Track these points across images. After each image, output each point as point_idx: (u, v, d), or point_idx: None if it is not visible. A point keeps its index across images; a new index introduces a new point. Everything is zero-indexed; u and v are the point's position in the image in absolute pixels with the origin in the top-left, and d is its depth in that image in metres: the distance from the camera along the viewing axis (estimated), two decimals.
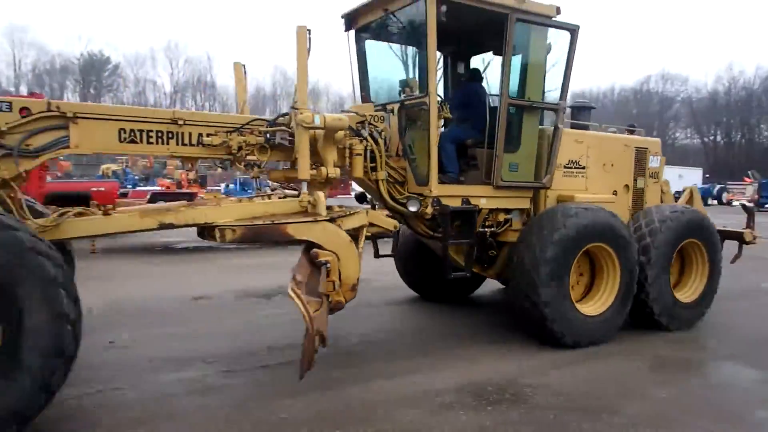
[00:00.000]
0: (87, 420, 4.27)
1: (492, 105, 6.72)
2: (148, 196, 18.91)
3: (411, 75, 7.04)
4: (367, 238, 5.50)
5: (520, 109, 6.29)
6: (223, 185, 46.08)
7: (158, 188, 26.41)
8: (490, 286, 8.92)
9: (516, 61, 6.26)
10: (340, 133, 5.30)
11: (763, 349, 6.23)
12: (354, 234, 5.20)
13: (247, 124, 5.31)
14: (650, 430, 4.21)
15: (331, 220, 4.97)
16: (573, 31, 6.41)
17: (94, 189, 14.35)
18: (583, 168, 6.92)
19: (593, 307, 6.14)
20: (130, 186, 24.96)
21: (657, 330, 6.65)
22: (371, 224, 5.50)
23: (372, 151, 5.78)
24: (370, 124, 5.89)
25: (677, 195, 8.60)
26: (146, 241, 15.51)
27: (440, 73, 7.53)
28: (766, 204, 37.06)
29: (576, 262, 5.97)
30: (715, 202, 45.44)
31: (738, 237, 7.81)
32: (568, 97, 6.64)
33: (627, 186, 7.34)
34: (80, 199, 9.20)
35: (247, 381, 5.12)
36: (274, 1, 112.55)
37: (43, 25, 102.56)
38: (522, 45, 6.22)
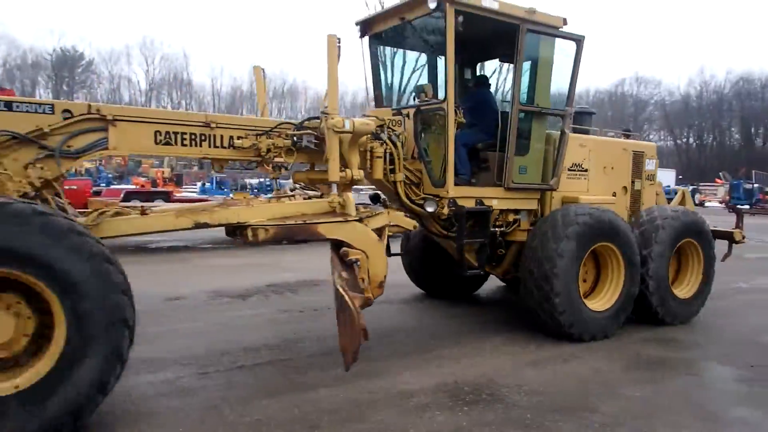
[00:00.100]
0: None
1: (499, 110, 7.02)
2: (122, 195, 18.81)
3: (421, 80, 7.32)
4: None
5: (529, 114, 6.59)
6: (199, 184, 45.78)
7: (132, 186, 26.23)
8: (487, 285, 9.16)
9: (525, 69, 6.57)
10: (363, 137, 5.54)
11: (740, 348, 6.38)
12: (377, 233, 5.44)
13: (276, 127, 5.52)
14: (628, 429, 4.26)
15: (359, 220, 5.22)
16: (579, 41, 6.74)
17: (66, 187, 14.26)
18: (586, 171, 7.27)
19: (599, 303, 6.47)
20: (103, 184, 24.71)
21: (653, 324, 7.01)
22: (393, 224, 5.77)
23: (391, 154, 6.03)
24: (388, 128, 6.15)
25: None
26: (119, 241, 15.35)
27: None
28: (736, 204, 38.12)
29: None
30: None
31: (728, 237, 8.25)
32: None
33: (625, 188, 7.72)
34: None
35: (223, 382, 5.06)
36: None
37: (14, 18, 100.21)
38: (531, 54, 6.53)
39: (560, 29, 6.61)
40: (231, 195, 6.34)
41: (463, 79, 7.95)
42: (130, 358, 5.39)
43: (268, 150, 5.44)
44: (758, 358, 6.00)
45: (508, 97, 7.01)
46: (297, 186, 6.50)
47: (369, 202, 7.32)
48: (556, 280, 5.99)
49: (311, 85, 79.17)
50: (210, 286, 9.11)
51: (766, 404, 4.77)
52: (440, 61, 7.37)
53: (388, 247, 7.82)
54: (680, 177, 58.23)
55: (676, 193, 8.93)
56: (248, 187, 46.79)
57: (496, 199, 6.50)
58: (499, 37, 6.63)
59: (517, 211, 6.82)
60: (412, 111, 6.43)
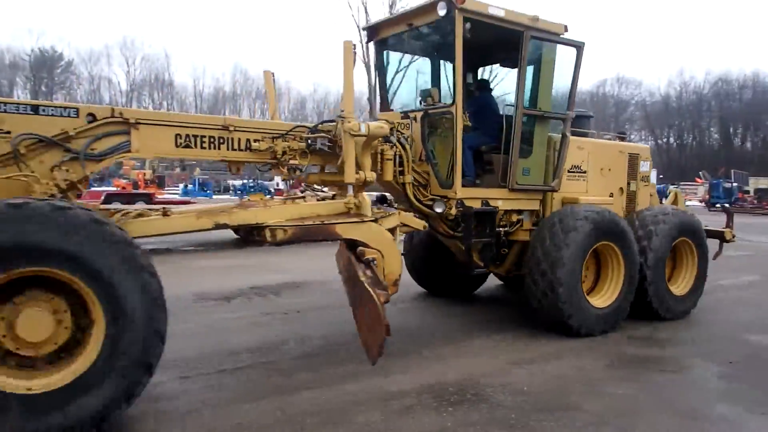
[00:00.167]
0: None
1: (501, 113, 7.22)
2: (103, 197, 18.68)
3: (425, 84, 7.51)
4: None
5: (532, 118, 6.81)
6: (181, 186, 45.61)
7: (114, 188, 26.06)
8: (485, 284, 9.32)
9: (528, 74, 6.77)
10: (375, 140, 5.71)
11: (721, 345, 6.50)
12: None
13: (291, 130, 5.67)
14: (611, 427, 4.28)
15: (374, 221, 5.39)
16: (579, 47, 6.98)
17: None
18: (584, 172, 7.52)
19: (601, 300, 6.71)
20: None
21: (650, 320, 7.27)
22: (403, 224, 5.95)
23: (400, 156, 6.21)
24: (397, 131, 6.32)
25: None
26: None
27: (450, 82, 7.97)
28: (716, 203, 38.81)
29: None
30: None
31: (719, 236, 8.57)
32: None
33: (621, 189, 7.99)
34: None
35: (204, 386, 5.02)
36: None
37: None
38: (534, 59, 6.75)
39: (561, 36, 6.84)
40: (247, 197, 6.27)
41: (465, 83, 8.13)
42: None
43: (284, 152, 5.58)
44: (738, 354, 6.13)
45: (507, 101, 7.25)
46: (307, 187, 6.65)
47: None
48: (561, 269, 6.20)
49: (294, 85, 78.94)
50: (194, 288, 9.02)
51: (745, 400, 4.86)
52: (443, 66, 7.61)
53: None
54: (661, 176, 59.10)
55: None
56: (231, 188, 46.80)
57: (501, 199, 6.71)
58: (501, 42, 6.83)
59: (520, 212, 7.04)
60: (419, 114, 6.62)
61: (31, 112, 4.60)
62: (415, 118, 6.65)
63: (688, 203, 37.72)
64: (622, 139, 8.56)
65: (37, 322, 3.77)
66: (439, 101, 6.59)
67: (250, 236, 5.56)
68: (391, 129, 6.27)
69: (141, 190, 24.88)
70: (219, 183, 46.40)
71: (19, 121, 4.52)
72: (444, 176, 6.48)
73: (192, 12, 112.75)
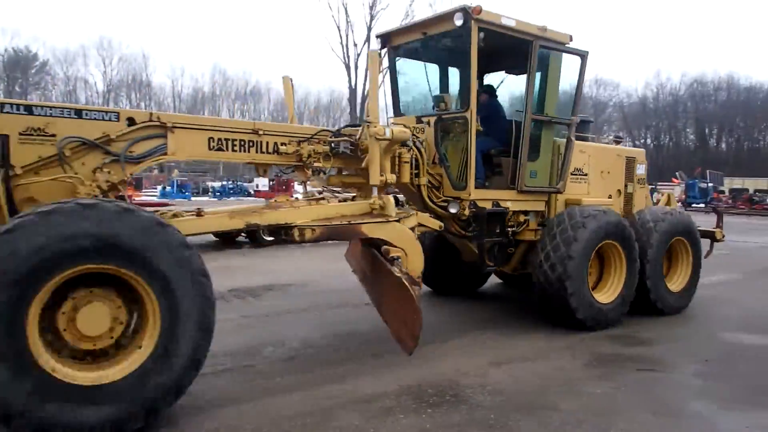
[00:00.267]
0: None
1: (508, 119, 7.55)
2: None
3: (434, 90, 7.80)
4: None
5: (539, 123, 7.14)
6: (159, 187, 45.29)
7: None
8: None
9: (536, 81, 7.11)
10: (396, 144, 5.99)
11: (698, 343, 6.68)
12: None
13: (316, 134, 5.93)
14: (589, 426, 4.32)
15: (398, 221, 5.67)
16: (583, 56, 7.34)
17: None
18: (586, 175, 7.89)
19: (605, 296, 7.09)
20: None
21: (651, 315, 7.66)
22: (420, 224, 6.23)
23: (416, 159, 6.49)
24: (413, 135, 6.60)
25: None
26: None
27: (457, 88, 8.26)
28: (692, 203, 39.65)
29: None
30: None
31: (710, 235, 9.02)
32: None
33: (619, 191, 8.38)
34: None
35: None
36: None
37: None
38: (542, 67, 7.08)
39: (566, 45, 7.18)
40: (276, 199, 6.40)
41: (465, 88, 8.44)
42: None
43: (309, 155, 5.84)
44: (715, 352, 6.30)
45: (512, 106, 7.59)
46: (323, 188, 6.90)
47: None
48: (570, 262, 6.55)
49: (275, 86, 78.41)
50: None
51: (720, 398, 4.97)
52: (452, 72, 7.92)
53: None
54: None
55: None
56: (210, 190, 46.48)
57: (510, 201, 7.03)
58: (508, 51, 7.15)
59: (526, 212, 7.36)
60: (432, 119, 6.91)
61: (75, 116, 4.80)
62: (428, 123, 6.93)
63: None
64: (618, 143, 8.95)
65: (97, 317, 3.98)
66: (452, 107, 6.89)
67: (278, 235, 5.82)
68: None
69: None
70: (197, 185, 46.21)
71: (63, 124, 4.72)
72: (456, 178, 6.78)
73: (170, 11, 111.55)
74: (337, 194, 6.66)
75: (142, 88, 77.03)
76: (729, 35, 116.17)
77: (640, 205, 8.60)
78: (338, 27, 51.20)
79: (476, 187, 6.78)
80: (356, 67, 51.37)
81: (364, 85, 51.14)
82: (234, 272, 10.57)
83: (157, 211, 5.24)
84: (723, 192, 46.42)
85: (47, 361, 3.72)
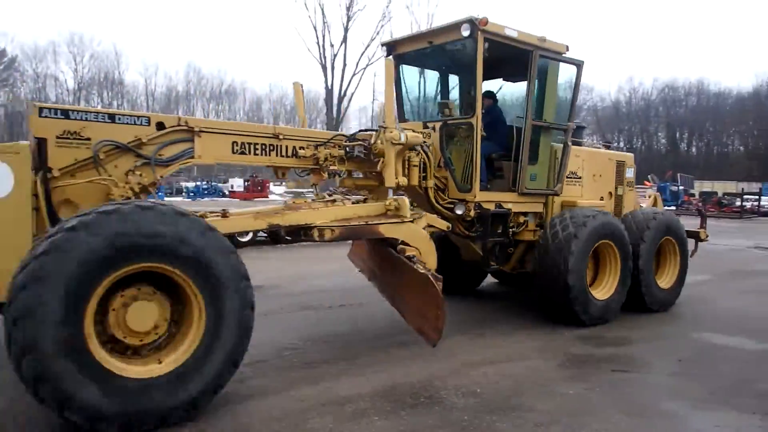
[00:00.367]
0: None
1: (508, 124, 7.91)
2: None
3: (435, 97, 8.13)
4: None
5: (538, 128, 7.51)
6: None
7: None
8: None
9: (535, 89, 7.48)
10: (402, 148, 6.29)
11: (671, 343, 6.79)
12: None
13: (332, 138, 6.20)
14: (562, 426, 4.34)
15: (412, 221, 5.97)
16: (579, 65, 7.73)
17: None
18: (580, 178, 8.29)
19: (600, 292, 7.47)
20: None
21: (640, 311, 8.07)
22: (429, 225, 6.54)
23: (424, 163, 6.80)
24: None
25: None
26: None
27: (456, 93, 8.59)
28: (664, 206, 40.42)
29: None
30: None
31: (694, 235, 9.49)
32: None
33: (610, 193, 8.81)
34: None
35: None
36: None
37: None
38: (540, 75, 7.45)
39: (563, 54, 7.57)
40: (290, 200, 6.53)
41: (469, 95, 8.79)
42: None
43: (325, 159, 6.11)
44: (687, 352, 6.41)
45: (510, 112, 7.95)
46: (333, 190, 7.17)
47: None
48: (571, 257, 6.92)
49: (250, 85, 77.99)
50: None
51: (693, 397, 5.04)
52: (452, 79, 8.27)
53: None
54: None
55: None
56: (183, 190, 46.05)
57: (511, 203, 7.38)
58: (507, 59, 7.49)
59: (525, 214, 7.72)
60: (437, 124, 7.22)
61: (109, 120, 5.00)
62: (433, 128, 7.24)
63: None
64: (608, 147, 9.38)
65: (146, 314, 4.18)
66: (456, 112, 7.22)
67: (295, 236, 6.06)
68: None
69: None
70: (171, 185, 45.90)
71: (97, 128, 4.92)
72: (461, 181, 7.11)
73: (143, 7, 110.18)
74: (347, 196, 6.93)
75: (114, 87, 75.80)
76: (699, 42, 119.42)
77: (630, 206, 9.03)
78: (315, 27, 51.23)
79: (480, 190, 7.11)
80: (333, 68, 51.45)
81: (341, 85, 51.44)
82: None
83: None
84: (693, 195, 47.51)
85: (102, 355, 3.92)
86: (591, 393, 5.08)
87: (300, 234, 5.85)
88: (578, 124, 9.04)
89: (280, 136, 5.87)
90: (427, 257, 5.90)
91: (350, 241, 7.70)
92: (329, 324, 7.39)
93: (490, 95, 8.28)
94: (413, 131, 6.67)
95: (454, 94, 8.43)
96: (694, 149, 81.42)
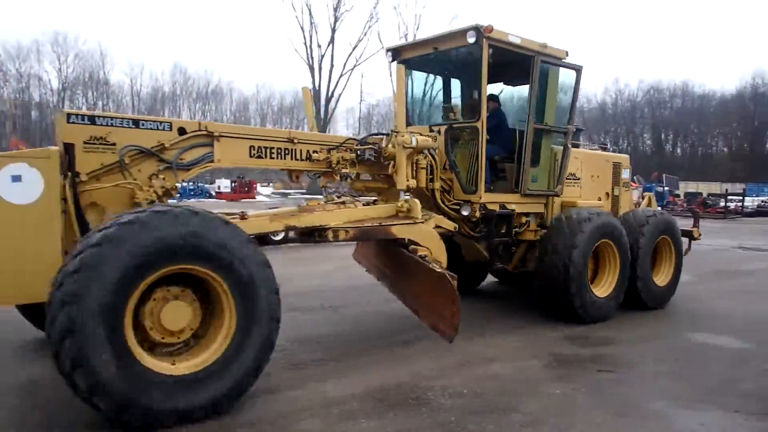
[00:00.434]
0: None
1: (510, 127, 8.15)
2: None
3: (437, 101, 8.36)
4: None
5: (539, 131, 7.75)
6: None
7: None
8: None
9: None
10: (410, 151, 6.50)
11: (657, 342, 6.85)
12: None
13: (344, 142, 6.40)
14: (549, 427, 4.37)
15: (423, 222, 6.18)
16: (578, 70, 7.99)
17: None
18: (579, 179, 8.55)
19: (600, 290, 7.74)
20: None
21: (639, 309, 8.33)
22: (437, 226, 6.76)
23: (430, 165, 7.01)
24: None
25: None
26: None
27: (459, 98, 8.81)
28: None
29: None
30: None
31: (688, 234, 9.79)
32: None
33: (607, 194, 9.09)
34: None
35: None
36: None
37: None
38: (542, 80, 7.70)
39: (563, 60, 7.82)
40: (305, 202, 6.72)
41: (471, 98, 9.02)
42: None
43: (338, 162, 6.30)
44: (672, 352, 6.45)
45: (510, 115, 8.19)
46: (344, 192, 7.36)
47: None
48: (575, 250, 7.19)
49: (237, 86, 77.88)
50: None
51: (679, 396, 5.09)
52: (454, 83, 8.50)
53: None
54: None
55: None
56: None
57: (515, 203, 7.61)
58: (509, 64, 7.73)
59: (527, 214, 7.96)
60: (442, 128, 7.44)
61: (133, 126, 5.16)
62: (439, 131, 7.46)
63: None
64: (604, 149, 9.67)
65: (179, 313, 4.36)
66: (460, 116, 7.46)
67: (309, 236, 6.24)
68: None
69: None
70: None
71: (122, 133, 5.08)
72: (467, 183, 7.33)
73: (129, 6, 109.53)
74: (357, 198, 7.13)
75: (99, 87, 75.49)
76: (684, 44, 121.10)
77: (626, 207, 9.32)
78: (302, 28, 51.56)
79: (484, 191, 7.33)
80: (320, 68, 51.67)
81: (328, 86, 51.66)
82: None
83: None
84: (678, 195, 48.08)
85: (140, 353, 4.08)
86: (577, 393, 5.13)
87: (314, 235, 6.04)
88: (576, 126, 9.31)
89: (295, 141, 6.06)
90: (439, 256, 6.11)
91: (351, 243, 7.88)
92: (316, 325, 7.43)
93: (495, 98, 8.53)
94: (421, 134, 6.89)
95: (457, 97, 8.65)
96: (679, 150, 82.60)
